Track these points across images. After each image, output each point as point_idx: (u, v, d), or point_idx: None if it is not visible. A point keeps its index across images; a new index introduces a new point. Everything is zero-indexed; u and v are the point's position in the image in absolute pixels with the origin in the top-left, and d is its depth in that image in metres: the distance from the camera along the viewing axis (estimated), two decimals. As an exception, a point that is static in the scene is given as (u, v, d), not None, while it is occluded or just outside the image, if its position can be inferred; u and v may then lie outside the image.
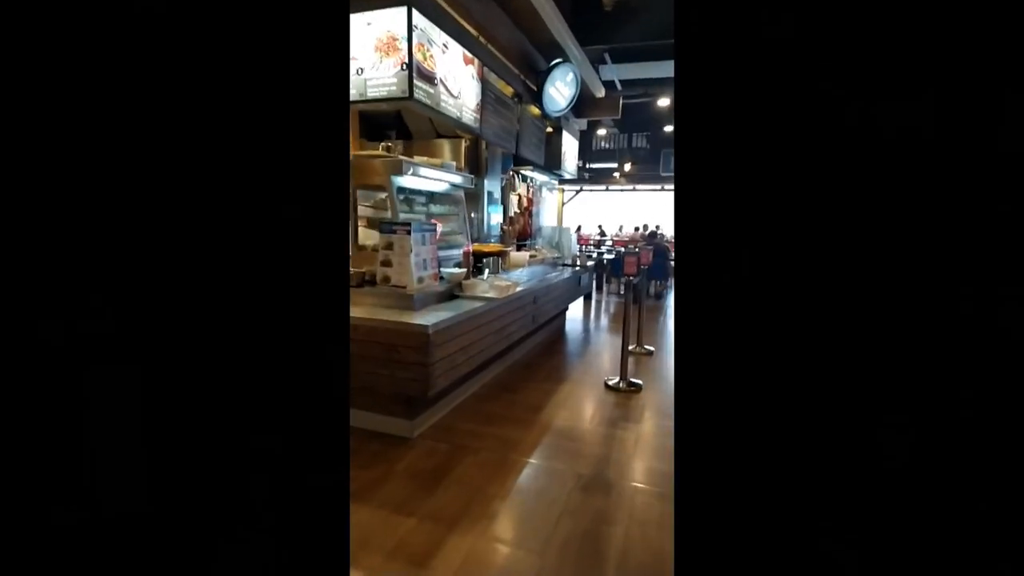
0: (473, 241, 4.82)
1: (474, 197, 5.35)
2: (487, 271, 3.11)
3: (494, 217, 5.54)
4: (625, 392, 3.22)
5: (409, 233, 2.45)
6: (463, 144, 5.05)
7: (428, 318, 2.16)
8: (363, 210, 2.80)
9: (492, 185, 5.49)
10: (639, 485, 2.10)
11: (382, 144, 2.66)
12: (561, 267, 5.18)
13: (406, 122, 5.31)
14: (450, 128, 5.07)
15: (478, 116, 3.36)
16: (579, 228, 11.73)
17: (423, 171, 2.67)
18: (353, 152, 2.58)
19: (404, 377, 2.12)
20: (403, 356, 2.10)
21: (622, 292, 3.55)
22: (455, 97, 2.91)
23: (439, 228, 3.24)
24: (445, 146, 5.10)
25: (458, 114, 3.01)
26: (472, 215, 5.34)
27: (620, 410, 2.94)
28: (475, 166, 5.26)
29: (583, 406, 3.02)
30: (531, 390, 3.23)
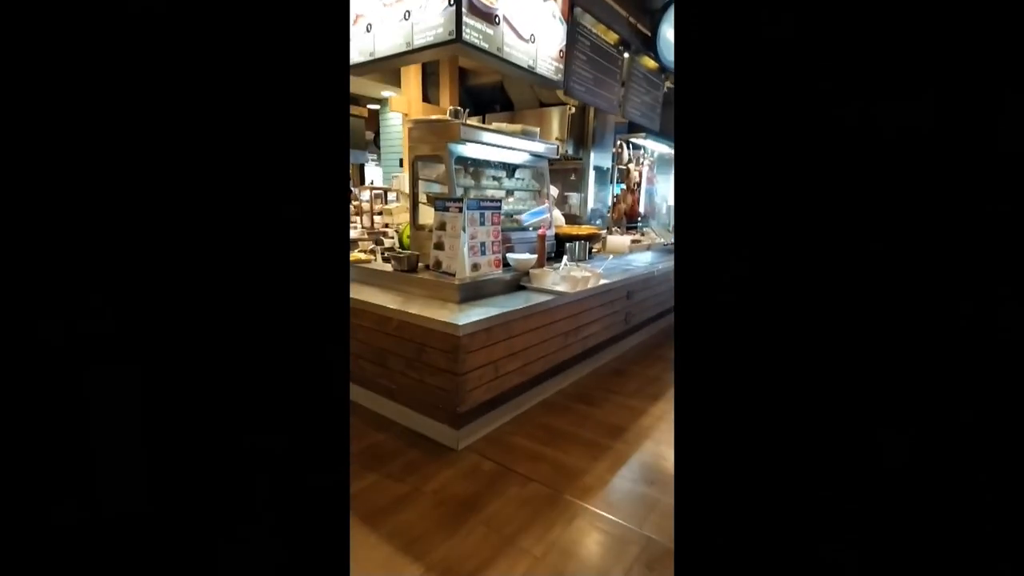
0: (573, 223, 4.30)
1: (578, 174, 4.79)
2: (565, 258, 2.59)
3: (605, 196, 4.91)
4: (740, 423, 2.46)
5: (461, 211, 2.07)
6: (567, 112, 4.50)
7: (468, 315, 1.76)
8: (425, 185, 2.49)
9: (601, 159, 4.85)
10: (738, 576, 1.46)
11: (450, 108, 2.31)
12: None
13: (508, 93, 4.94)
14: (554, 96, 4.57)
15: (560, 66, 2.77)
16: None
17: (487, 137, 2.25)
18: (411, 117, 2.26)
19: (433, 385, 1.77)
20: (432, 360, 1.74)
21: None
22: (526, 41, 2.38)
23: (551, 208, 2.82)
24: (552, 116, 4.61)
25: (530, 62, 2.47)
26: (578, 193, 4.82)
27: (729, 448, 2.23)
28: (580, 137, 4.68)
29: (678, 435, 2.36)
30: (614, 405, 2.66)
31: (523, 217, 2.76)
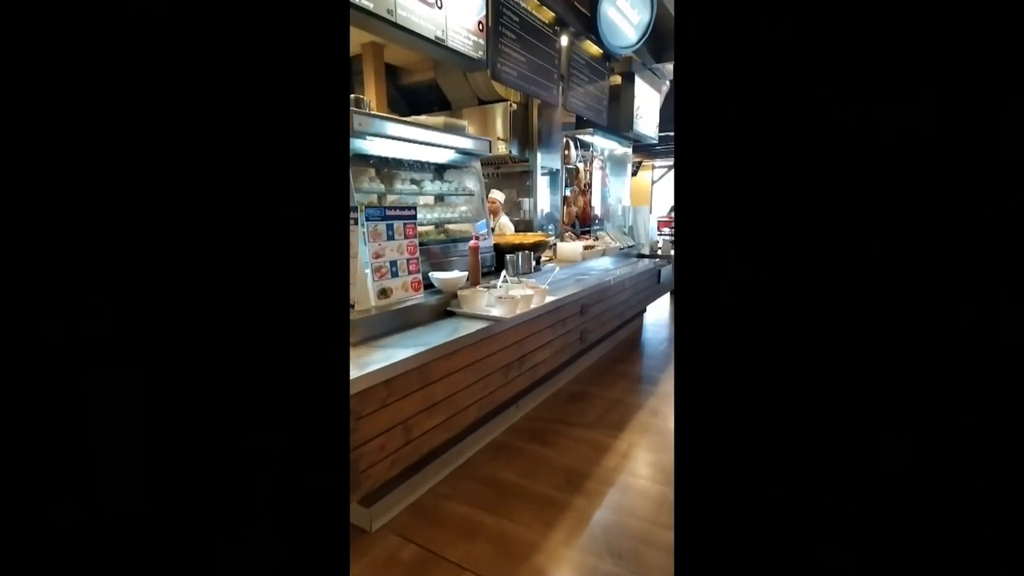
0: (523, 230, 3.90)
1: (526, 176, 4.41)
2: (504, 273, 2.17)
3: (558, 200, 4.55)
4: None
5: (357, 223, 1.61)
6: (508, 109, 4.12)
7: (361, 363, 1.30)
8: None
9: (549, 160, 4.48)
10: None
11: (352, 96, 1.86)
12: (636, 259, 4.06)
13: (443, 91, 4.52)
14: (493, 91, 4.17)
15: (481, 42, 2.35)
16: (671, 210, 10.17)
17: (392, 129, 1.80)
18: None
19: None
20: (310, 430, 1.27)
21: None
22: (430, 6, 1.95)
23: (491, 214, 2.38)
24: (495, 113, 4.20)
25: (438, 33, 2.05)
26: (529, 198, 4.43)
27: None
28: (525, 136, 4.30)
29: (649, 477, 1.98)
30: (572, 441, 2.26)
31: (476, 227, 2.33)
